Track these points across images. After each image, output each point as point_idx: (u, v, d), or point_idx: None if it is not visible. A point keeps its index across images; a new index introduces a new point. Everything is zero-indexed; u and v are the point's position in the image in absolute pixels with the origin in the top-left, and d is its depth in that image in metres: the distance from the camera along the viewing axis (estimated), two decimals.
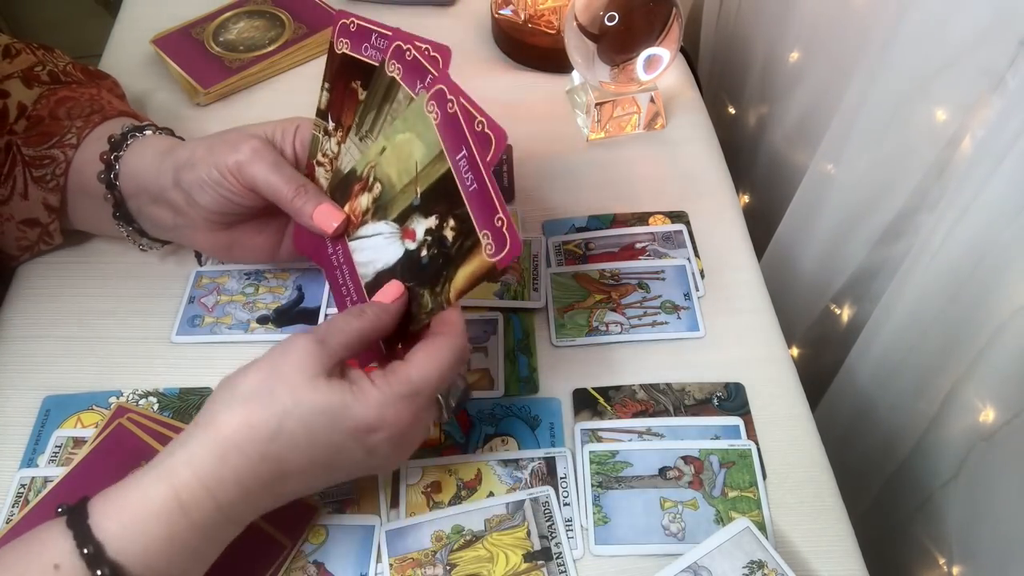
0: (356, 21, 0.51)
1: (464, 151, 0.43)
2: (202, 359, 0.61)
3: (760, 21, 0.94)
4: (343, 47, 0.51)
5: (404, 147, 0.47)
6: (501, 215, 0.42)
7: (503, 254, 0.42)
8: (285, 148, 0.55)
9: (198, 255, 0.65)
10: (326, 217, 0.52)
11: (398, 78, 0.48)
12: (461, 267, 0.44)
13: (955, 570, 0.66)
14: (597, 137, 0.76)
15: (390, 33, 0.49)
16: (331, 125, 0.53)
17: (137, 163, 0.57)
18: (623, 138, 0.77)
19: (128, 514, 0.41)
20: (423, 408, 0.46)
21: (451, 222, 0.45)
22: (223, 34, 0.83)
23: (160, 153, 0.56)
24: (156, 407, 0.58)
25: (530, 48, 0.82)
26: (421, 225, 0.47)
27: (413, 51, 0.47)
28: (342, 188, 0.53)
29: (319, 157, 0.54)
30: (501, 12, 0.83)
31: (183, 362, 0.60)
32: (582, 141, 0.76)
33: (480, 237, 0.43)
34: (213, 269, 0.65)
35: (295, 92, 0.80)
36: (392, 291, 0.48)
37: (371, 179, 0.50)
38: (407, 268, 0.48)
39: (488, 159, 0.43)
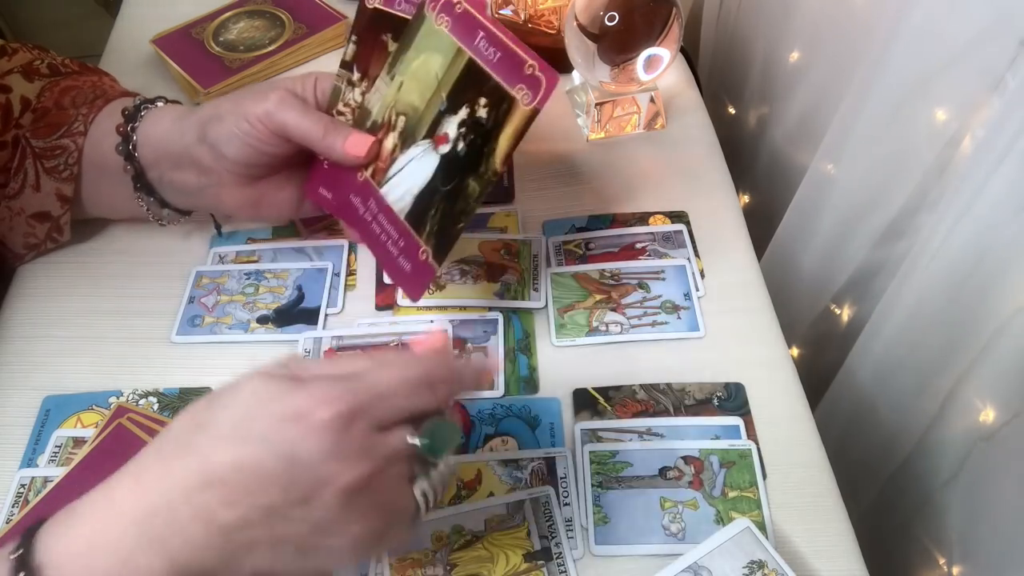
0: None
1: (481, 33, 0.45)
2: (202, 359, 0.61)
3: (760, 21, 0.94)
4: (375, 1, 0.53)
5: (421, 68, 0.49)
6: (530, 60, 0.44)
7: (541, 94, 0.44)
8: (307, 97, 0.56)
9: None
10: (356, 143, 0.53)
11: (446, 29, 0.49)
12: (503, 131, 0.46)
13: (955, 570, 0.66)
14: (597, 137, 0.76)
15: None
16: (356, 76, 0.54)
17: (156, 130, 0.57)
18: (623, 138, 0.77)
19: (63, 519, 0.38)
20: (371, 422, 0.38)
21: (482, 100, 0.46)
22: (223, 34, 0.83)
23: (178, 117, 0.57)
24: (156, 407, 0.58)
25: (530, 48, 0.82)
26: (453, 123, 0.48)
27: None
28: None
29: (340, 107, 0.55)
30: (501, 12, 0.83)
31: (183, 362, 0.60)
32: (582, 141, 0.76)
33: (514, 94, 0.45)
34: (213, 269, 0.65)
35: None
36: (431, 341, 0.44)
37: (393, 117, 0.51)
38: (445, 172, 0.49)
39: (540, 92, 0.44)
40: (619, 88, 0.73)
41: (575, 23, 0.70)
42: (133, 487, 0.38)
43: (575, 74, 0.79)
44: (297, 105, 0.53)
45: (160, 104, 0.60)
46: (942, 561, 0.68)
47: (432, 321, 0.61)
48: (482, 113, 0.46)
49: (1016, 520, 0.58)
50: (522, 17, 0.82)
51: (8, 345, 0.61)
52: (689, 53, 0.98)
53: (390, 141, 0.51)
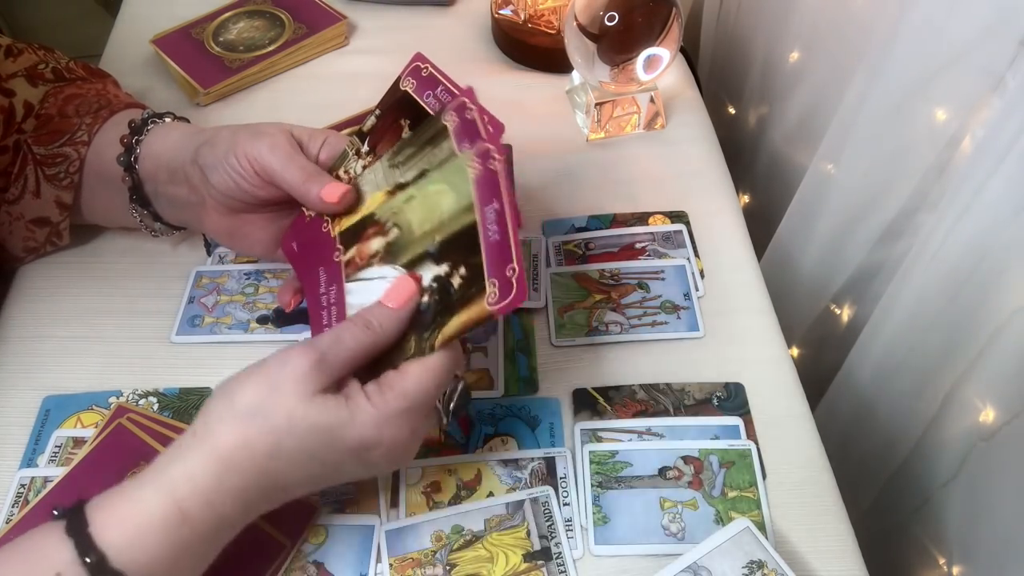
0: (430, 69, 0.52)
1: (495, 203, 0.43)
2: (202, 359, 0.61)
3: (760, 21, 0.94)
4: (408, 86, 0.52)
5: (434, 197, 0.47)
6: (515, 265, 0.42)
7: (505, 302, 0.42)
8: (310, 150, 0.55)
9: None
10: (331, 191, 0.51)
11: (451, 128, 0.48)
12: (457, 314, 0.44)
13: (955, 570, 0.66)
14: (597, 137, 0.76)
15: (457, 91, 0.50)
16: (365, 148, 0.53)
17: (162, 144, 0.57)
18: (623, 138, 0.77)
19: (130, 525, 0.40)
20: (421, 420, 0.46)
21: (462, 270, 0.45)
22: (223, 34, 0.83)
23: (187, 134, 0.57)
24: (156, 407, 0.58)
25: (530, 48, 0.82)
26: (430, 272, 0.46)
27: (475, 112, 0.47)
28: (355, 229, 0.52)
29: (340, 172, 0.54)
30: (501, 12, 0.83)
31: (183, 362, 0.60)
32: (582, 141, 0.76)
33: (487, 284, 0.43)
34: (213, 269, 0.65)
35: (295, 92, 0.80)
36: (403, 290, 0.46)
37: (389, 224, 0.50)
38: None
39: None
40: (619, 88, 0.73)
41: (575, 23, 0.70)
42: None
43: (575, 74, 0.79)
44: (287, 152, 0.53)
45: (168, 120, 0.60)
46: (942, 561, 0.68)
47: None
48: (456, 282, 0.45)
49: (1016, 520, 0.58)
50: (522, 17, 0.82)
51: (8, 345, 0.61)
52: (689, 53, 0.98)
53: (377, 243, 0.50)
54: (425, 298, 0.46)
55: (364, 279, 0.50)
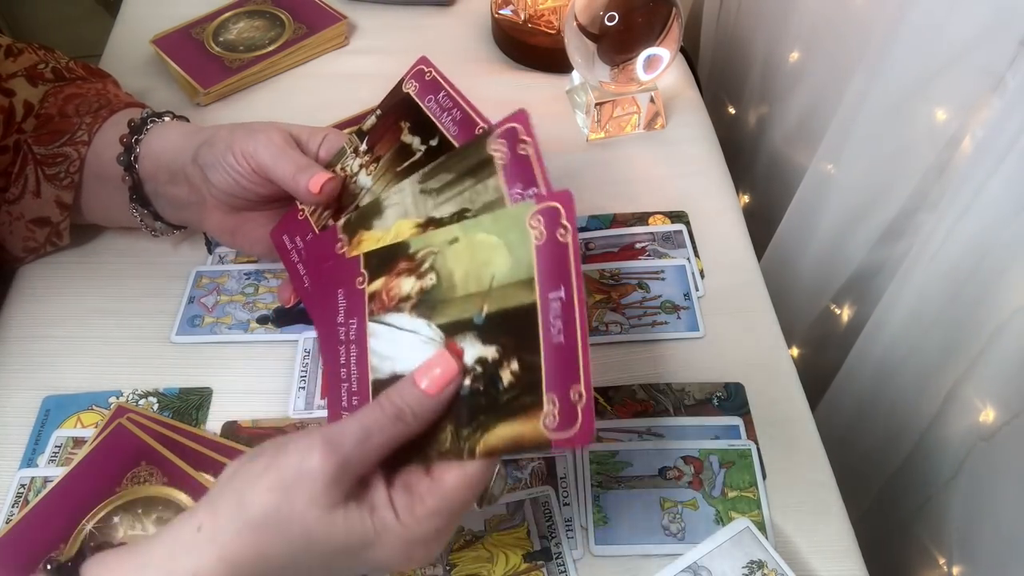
0: (434, 73, 0.50)
1: (563, 292, 0.36)
2: (202, 359, 0.61)
3: (760, 21, 0.94)
4: (410, 88, 0.51)
5: (484, 251, 0.39)
6: (582, 389, 0.35)
7: (568, 435, 0.35)
8: (309, 148, 0.55)
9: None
10: (318, 180, 0.50)
11: (499, 163, 0.41)
12: (505, 422, 0.37)
13: (955, 570, 0.66)
14: (597, 137, 0.76)
15: (459, 98, 0.47)
16: (363, 147, 0.53)
17: (162, 144, 0.57)
18: (623, 138, 0.77)
19: None
20: (452, 528, 0.41)
21: (514, 364, 0.37)
22: (223, 34, 0.83)
23: (185, 134, 0.57)
24: (156, 407, 0.58)
25: (530, 48, 0.82)
26: (474, 349, 0.39)
27: (531, 149, 0.40)
28: (384, 255, 0.46)
29: (337, 168, 0.54)
30: (501, 12, 0.83)
31: (183, 362, 0.60)
32: (582, 141, 0.76)
33: (545, 400, 0.36)
34: (213, 269, 0.65)
35: (295, 92, 0.80)
36: (444, 373, 0.39)
37: (425, 266, 0.42)
38: None
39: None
40: (619, 88, 0.73)
41: (575, 23, 0.70)
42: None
43: (575, 74, 0.79)
44: (280, 147, 0.52)
45: (167, 119, 0.60)
46: (942, 561, 0.68)
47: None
48: (505, 377, 0.37)
49: (1016, 520, 0.58)
50: (522, 17, 0.82)
51: (8, 345, 0.61)
52: (689, 53, 0.98)
53: (410, 284, 0.42)
54: (467, 382, 0.39)
55: (393, 326, 0.43)
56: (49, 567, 0.40)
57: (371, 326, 0.44)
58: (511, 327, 0.38)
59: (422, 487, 0.39)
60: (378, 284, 0.45)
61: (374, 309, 0.45)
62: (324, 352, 0.48)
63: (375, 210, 0.47)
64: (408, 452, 0.40)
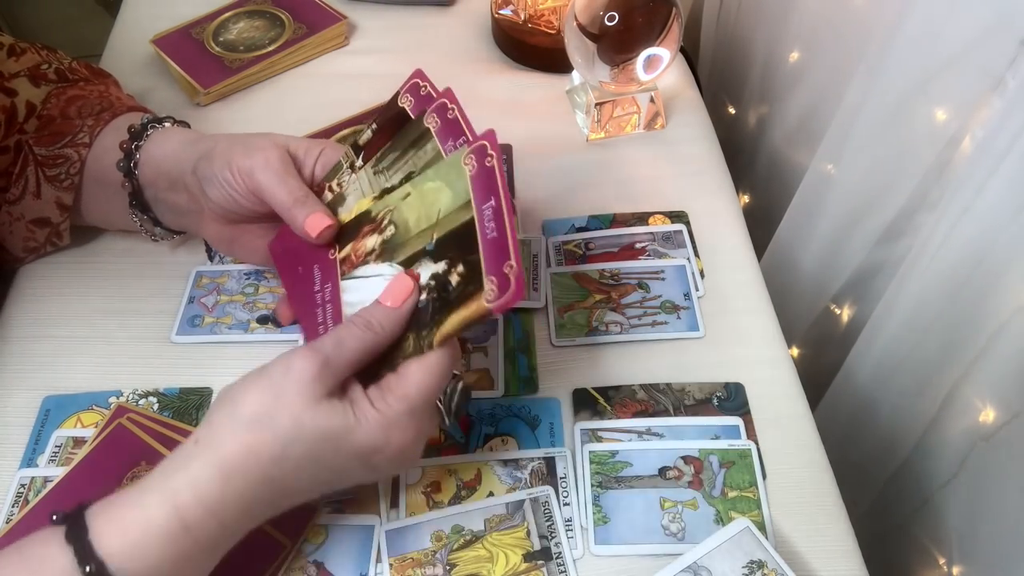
0: (429, 88, 0.52)
1: (492, 200, 0.44)
2: (202, 359, 0.61)
3: (760, 21, 0.94)
4: (405, 103, 0.52)
5: (430, 195, 0.47)
6: (512, 262, 0.42)
7: (502, 300, 0.42)
8: (306, 164, 0.55)
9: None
10: (315, 222, 0.51)
11: (433, 130, 0.49)
12: (455, 312, 0.44)
13: (955, 570, 0.66)
14: (597, 137, 0.76)
15: (453, 106, 0.50)
16: (359, 162, 0.53)
17: (162, 150, 0.57)
18: (623, 138, 0.77)
19: (131, 533, 0.40)
20: (425, 420, 0.46)
21: (460, 267, 0.45)
22: (223, 34, 0.83)
23: (185, 143, 0.57)
24: (156, 407, 0.58)
25: (530, 48, 0.82)
26: (428, 270, 0.46)
27: (456, 111, 0.48)
28: (351, 226, 0.52)
29: (333, 183, 0.54)
30: (501, 12, 0.83)
31: (183, 362, 0.60)
32: (582, 141, 0.76)
33: (485, 282, 0.43)
34: (213, 269, 0.65)
35: (295, 92, 0.80)
36: (402, 289, 0.46)
37: (385, 222, 0.50)
38: None
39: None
40: (619, 88, 0.73)
41: (575, 23, 0.70)
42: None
43: (575, 74, 0.79)
44: (279, 170, 0.53)
45: (168, 124, 0.60)
46: (942, 561, 0.68)
47: None
48: (454, 280, 0.45)
49: (1016, 520, 0.58)
50: (522, 17, 0.82)
51: (8, 345, 0.61)
52: (689, 53, 0.98)
53: (373, 240, 0.50)
54: (423, 296, 0.46)
55: (360, 277, 0.50)
56: (55, 517, 0.41)
57: (343, 284, 0.51)
58: (456, 242, 0.45)
59: (391, 381, 0.45)
60: (347, 250, 0.52)
61: (345, 270, 0.51)
62: (306, 324, 0.53)
63: (338, 201, 0.53)
64: (379, 366, 0.46)
